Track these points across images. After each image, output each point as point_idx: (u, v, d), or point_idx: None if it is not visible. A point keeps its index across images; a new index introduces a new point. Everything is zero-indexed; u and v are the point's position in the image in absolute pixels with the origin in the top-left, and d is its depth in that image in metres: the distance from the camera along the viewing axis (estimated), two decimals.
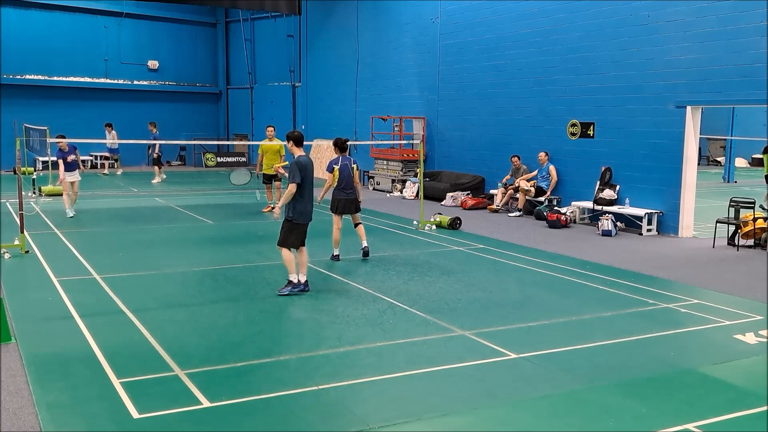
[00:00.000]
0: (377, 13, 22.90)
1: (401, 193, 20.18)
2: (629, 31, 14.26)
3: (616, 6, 14.55)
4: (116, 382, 5.68)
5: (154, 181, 22.88)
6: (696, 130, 13.44)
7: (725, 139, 27.62)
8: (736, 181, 25.77)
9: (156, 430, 4.89)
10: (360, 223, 10.93)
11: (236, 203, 17.78)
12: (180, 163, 31.02)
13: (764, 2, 11.90)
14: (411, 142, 20.71)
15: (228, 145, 30.87)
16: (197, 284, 9.27)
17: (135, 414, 5.10)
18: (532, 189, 16.01)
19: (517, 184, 16.33)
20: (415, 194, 19.27)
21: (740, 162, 31.15)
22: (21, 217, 10.95)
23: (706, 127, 19.72)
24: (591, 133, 15.29)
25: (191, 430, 4.91)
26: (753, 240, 12.30)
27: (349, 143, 10.84)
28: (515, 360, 6.40)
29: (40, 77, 27.31)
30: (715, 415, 5.23)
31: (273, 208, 14.24)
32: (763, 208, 12.69)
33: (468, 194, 17.97)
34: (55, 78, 27.65)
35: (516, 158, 16.73)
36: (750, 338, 7.12)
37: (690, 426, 5.01)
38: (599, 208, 14.54)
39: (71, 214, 14.61)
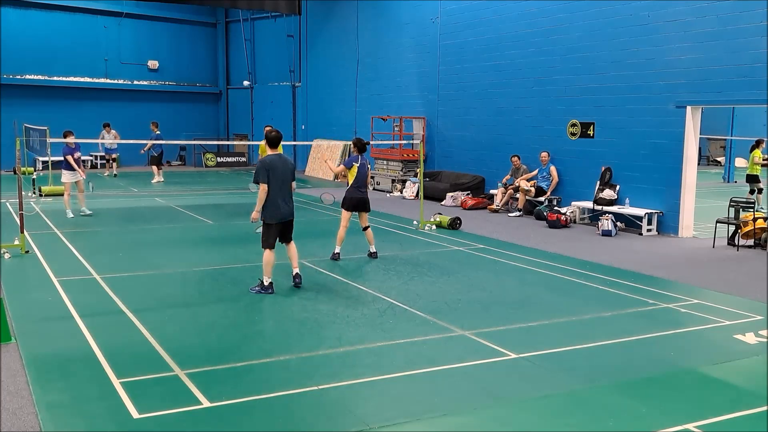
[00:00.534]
0: (377, 13, 22.90)
1: (401, 193, 20.18)
2: (629, 31, 14.26)
3: (616, 6, 14.54)
4: (116, 382, 5.68)
5: (153, 181, 22.89)
6: (696, 130, 13.44)
7: (725, 139, 27.63)
8: (736, 181, 25.77)
9: (156, 430, 4.89)
10: (368, 227, 10.97)
11: (236, 203, 17.79)
12: (180, 163, 31.02)
13: (764, 2, 11.90)
14: (411, 142, 20.71)
15: (228, 145, 30.87)
16: (197, 284, 9.27)
17: (135, 414, 5.10)
18: (533, 189, 16.00)
19: (517, 184, 16.33)
20: (415, 194, 19.27)
21: (740, 162, 31.07)
22: (21, 217, 10.95)
23: (706, 127, 19.73)
24: (591, 133, 15.29)
25: (191, 430, 4.91)
26: (753, 240, 12.29)
27: (368, 144, 11.07)
28: (515, 360, 6.40)
29: (40, 77, 27.30)
30: (715, 415, 5.23)
31: None
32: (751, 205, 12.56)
33: (468, 194, 17.97)
34: (55, 78, 27.64)
35: (516, 158, 16.73)
36: (750, 338, 7.12)
37: (690, 426, 5.01)
38: (599, 208, 14.54)
39: (71, 215, 14.62)
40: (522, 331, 7.29)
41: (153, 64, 29.84)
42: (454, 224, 13.99)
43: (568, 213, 14.83)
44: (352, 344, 6.79)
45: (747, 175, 19.18)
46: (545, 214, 14.81)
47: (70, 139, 14.69)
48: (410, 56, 21.34)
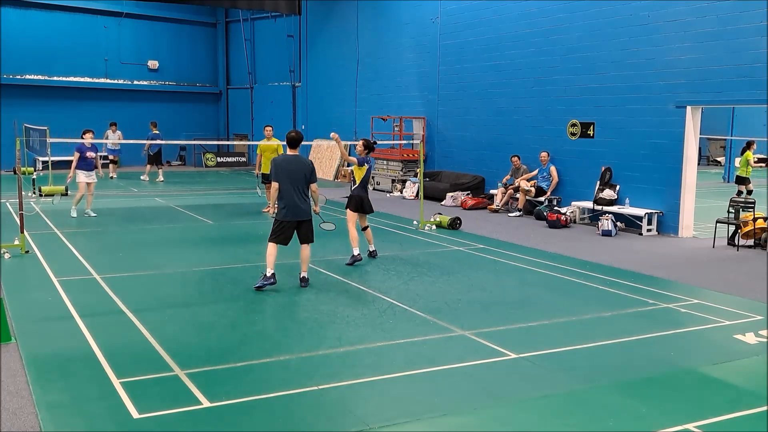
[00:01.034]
0: (377, 13, 22.89)
1: (401, 193, 20.18)
2: (629, 31, 14.26)
3: (616, 6, 14.55)
4: (116, 382, 5.68)
5: (158, 179, 22.93)
6: (696, 130, 13.44)
7: (725, 139, 27.61)
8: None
9: (156, 430, 4.88)
10: (368, 227, 10.98)
11: (236, 203, 17.80)
12: (180, 163, 31.01)
13: (764, 2, 11.90)
14: (411, 142, 20.72)
15: (228, 145, 30.88)
16: (197, 284, 9.27)
17: (135, 414, 5.10)
18: (533, 189, 16.00)
19: (517, 184, 16.33)
20: (415, 194, 19.27)
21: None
22: (21, 217, 10.95)
23: (706, 127, 19.73)
24: (591, 133, 15.29)
25: (191, 430, 4.91)
26: (753, 240, 12.30)
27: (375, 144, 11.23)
28: (515, 360, 6.40)
29: (40, 77, 27.28)
30: (715, 415, 5.23)
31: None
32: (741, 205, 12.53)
33: (468, 194, 17.96)
34: (55, 78, 27.62)
35: (516, 158, 16.74)
36: (750, 338, 7.12)
37: (690, 426, 5.01)
38: (599, 208, 14.54)
39: (74, 215, 14.62)
40: (522, 331, 7.29)
41: (153, 64, 29.83)
42: (454, 224, 13.99)
43: (568, 213, 14.84)
44: (352, 344, 6.79)
45: (736, 176, 19.26)
46: (545, 214, 14.81)
47: (88, 137, 14.71)
48: (410, 56, 21.34)
